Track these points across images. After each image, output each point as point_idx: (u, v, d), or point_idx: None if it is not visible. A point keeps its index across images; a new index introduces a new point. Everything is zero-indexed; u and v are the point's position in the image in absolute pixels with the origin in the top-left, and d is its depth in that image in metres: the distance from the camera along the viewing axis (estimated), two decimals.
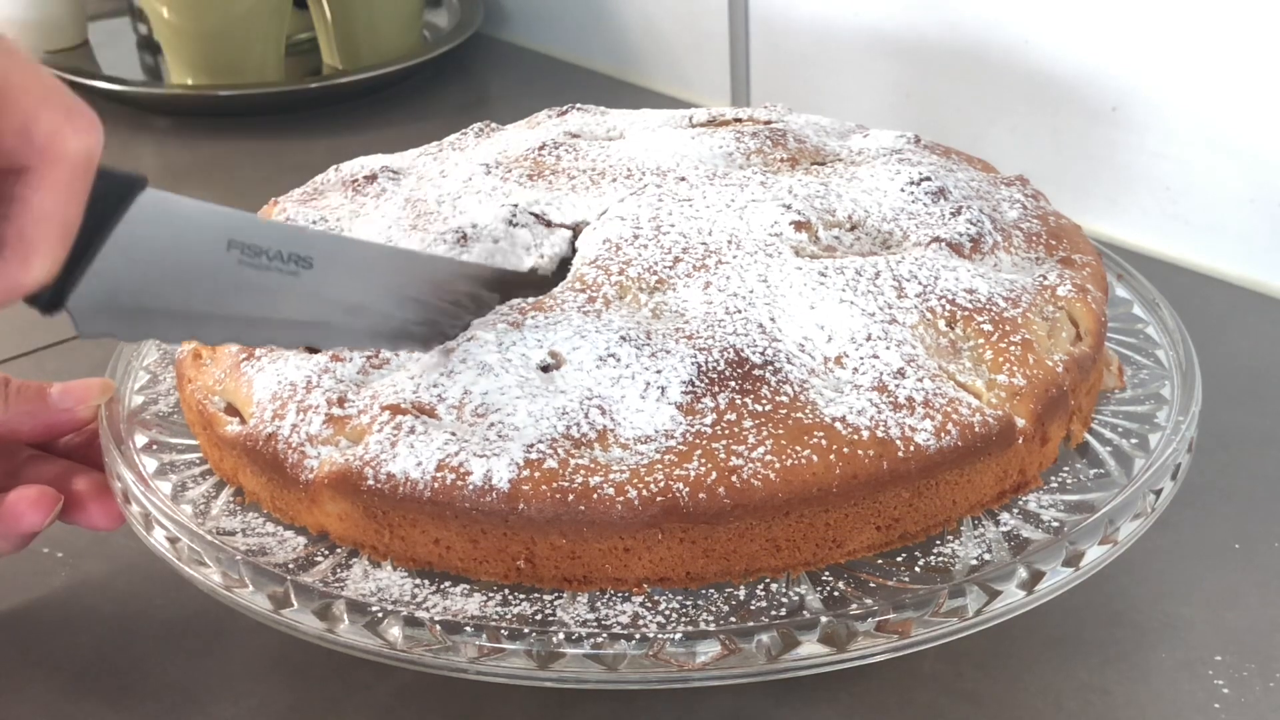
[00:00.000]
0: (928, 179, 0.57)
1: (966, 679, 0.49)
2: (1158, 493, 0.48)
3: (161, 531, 0.48)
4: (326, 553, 0.46)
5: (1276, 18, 0.73)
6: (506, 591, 0.44)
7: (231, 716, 0.48)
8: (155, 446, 0.53)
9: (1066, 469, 0.50)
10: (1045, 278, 0.52)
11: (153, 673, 0.50)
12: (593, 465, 0.43)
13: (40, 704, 0.49)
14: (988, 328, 0.49)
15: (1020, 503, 0.48)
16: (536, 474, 0.43)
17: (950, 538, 0.46)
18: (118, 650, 0.52)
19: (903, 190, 0.56)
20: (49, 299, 0.38)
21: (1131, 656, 0.50)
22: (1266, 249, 0.78)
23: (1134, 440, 0.51)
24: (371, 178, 0.63)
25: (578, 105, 0.70)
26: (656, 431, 0.44)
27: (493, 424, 0.44)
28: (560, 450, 0.43)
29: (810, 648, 0.42)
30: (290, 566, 0.46)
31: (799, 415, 0.44)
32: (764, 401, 0.45)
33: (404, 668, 0.43)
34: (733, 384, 0.45)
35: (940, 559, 0.45)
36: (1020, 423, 0.46)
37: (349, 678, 0.49)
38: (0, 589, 0.55)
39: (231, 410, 0.50)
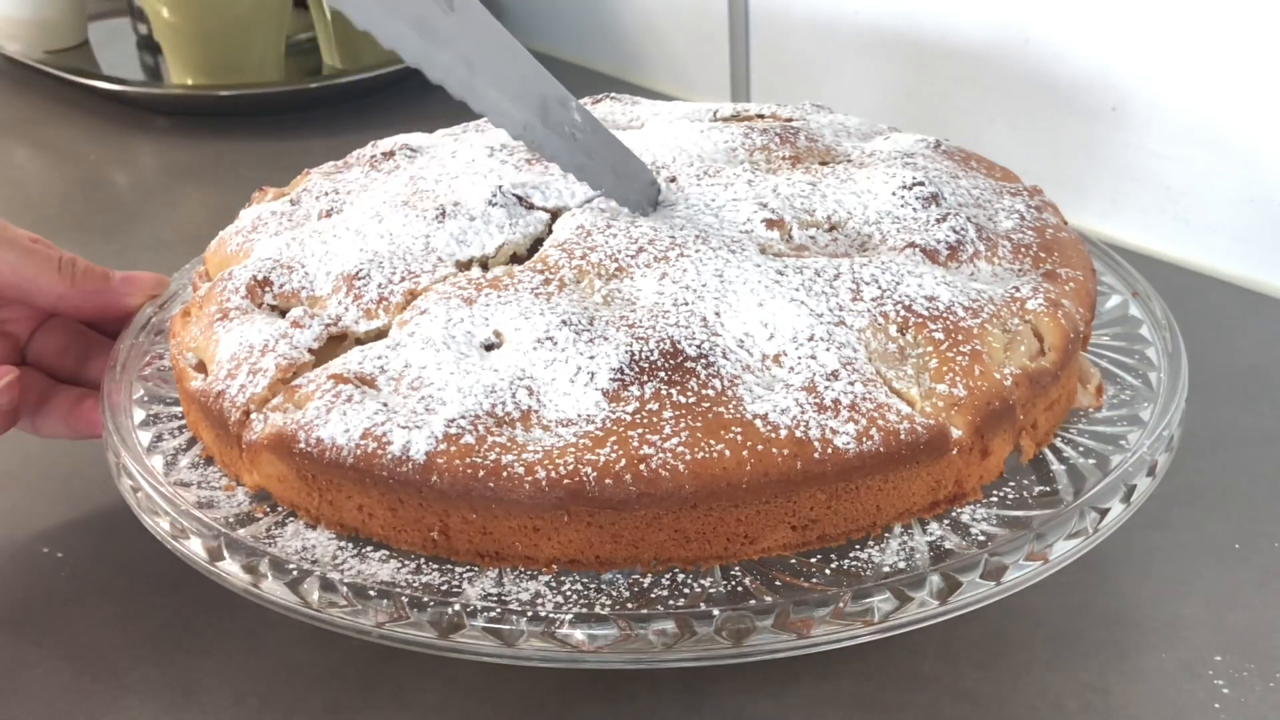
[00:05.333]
0: (921, 184, 0.56)
1: (966, 679, 0.49)
2: (1103, 512, 0.47)
3: (127, 480, 0.50)
4: (268, 510, 0.48)
5: (1276, 18, 0.73)
6: (422, 561, 0.46)
7: (231, 716, 0.48)
8: (147, 398, 0.55)
9: (1012, 484, 0.49)
10: (1018, 289, 0.51)
11: (153, 673, 0.50)
12: (509, 444, 0.44)
13: (40, 704, 0.49)
14: (939, 336, 0.48)
15: (953, 514, 0.47)
16: (452, 448, 0.44)
17: (872, 543, 0.46)
18: (118, 650, 0.52)
19: (894, 194, 0.56)
20: None
21: (1131, 656, 0.50)
22: (1266, 249, 0.78)
23: (1093, 460, 0.50)
24: (389, 154, 0.65)
25: (611, 94, 0.72)
26: (579, 416, 0.45)
27: (423, 398, 0.46)
28: (480, 427, 0.44)
29: (706, 638, 0.42)
30: (230, 521, 0.47)
31: (720, 410, 0.44)
32: (689, 394, 0.45)
33: (371, 642, 0.44)
34: (662, 374, 0.45)
35: (855, 563, 0.45)
36: (956, 433, 0.46)
37: (349, 678, 0.50)
38: (0, 589, 0.55)
39: (201, 367, 0.52)
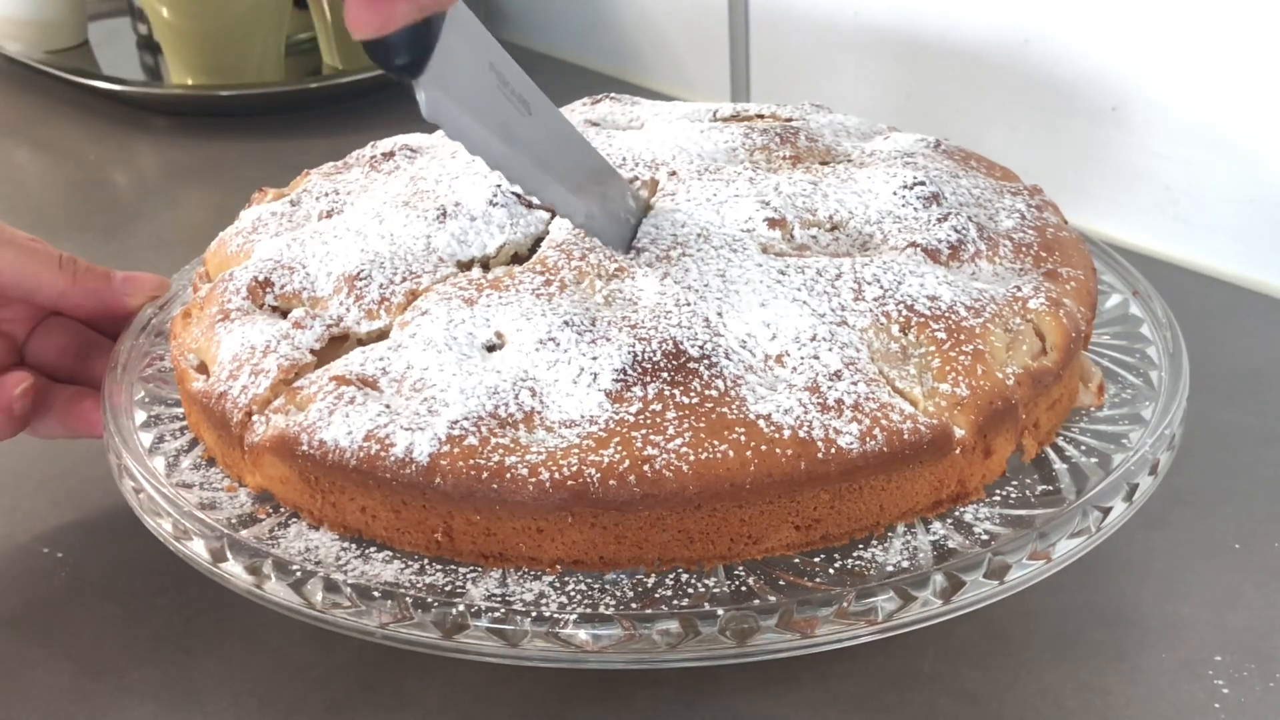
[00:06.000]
0: (921, 183, 0.56)
1: (965, 679, 0.49)
2: (1106, 511, 0.47)
3: (129, 482, 0.50)
4: (270, 512, 0.48)
5: (1276, 18, 0.73)
6: (425, 562, 0.46)
7: (231, 716, 0.48)
8: (149, 400, 0.55)
9: (1015, 483, 0.49)
10: (1020, 289, 0.51)
11: (153, 673, 0.50)
12: (513, 445, 0.44)
13: (40, 704, 0.49)
14: (941, 335, 0.48)
15: (956, 513, 0.47)
16: (456, 450, 0.44)
17: (875, 543, 0.46)
18: (118, 650, 0.52)
19: (895, 194, 0.56)
20: (408, 66, 0.46)
21: (1131, 656, 0.50)
22: (1266, 249, 0.78)
23: (1095, 459, 0.50)
24: (389, 155, 0.65)
25: (611, 94, 0.72)
26: (582, 417, 0.45)
27: (426, 399, 0.46)
28: (484, 429, 0.44)
29: (709, 637, 0.42)
30: (232, 522, 0.48)
31: (724, 410, 0.44)
32: (692, 394, 0.45)
33: (372, 641, 0.44)
34: (665, 375, 0.46)
35: (858, 563, 0.45)
36: (959, 433, 0.46)
37: (349, 678, 0.49)
38: (0, 589, 0.55)
39: (203, 368, 0.52)
